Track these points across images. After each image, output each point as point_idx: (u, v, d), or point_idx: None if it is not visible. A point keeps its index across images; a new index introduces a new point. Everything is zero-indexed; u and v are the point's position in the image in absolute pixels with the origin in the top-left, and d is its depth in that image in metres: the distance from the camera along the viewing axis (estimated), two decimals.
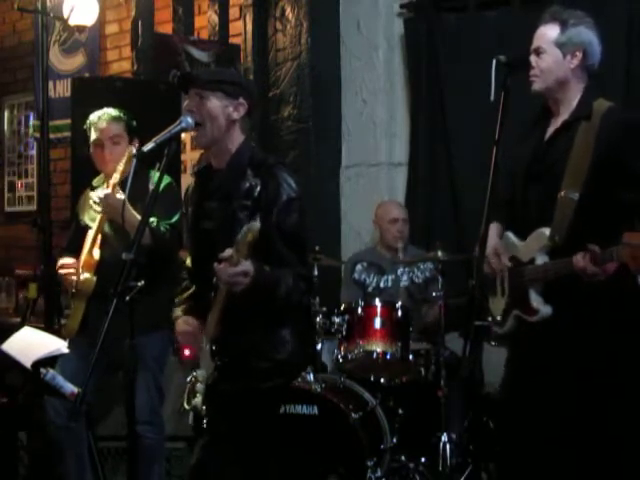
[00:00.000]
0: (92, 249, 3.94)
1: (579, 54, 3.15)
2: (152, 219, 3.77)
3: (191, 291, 3.17)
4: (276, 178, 2.92)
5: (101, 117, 4.01)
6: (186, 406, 2.93)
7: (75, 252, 4.05)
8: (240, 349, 2.94)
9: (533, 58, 3.18)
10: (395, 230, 4.93)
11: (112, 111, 4.02)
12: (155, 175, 3.89)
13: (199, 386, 2.91)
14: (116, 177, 3.87)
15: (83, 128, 4.14)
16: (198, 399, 2.89)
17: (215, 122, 2.94)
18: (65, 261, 4.03)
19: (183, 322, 3.09)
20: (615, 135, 3.06)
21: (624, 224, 2.98)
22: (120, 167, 3.87)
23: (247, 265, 2.71)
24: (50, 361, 3.35)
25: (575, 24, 3.15)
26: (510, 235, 3.28)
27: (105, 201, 3.83)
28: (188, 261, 3.20)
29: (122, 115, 4.02)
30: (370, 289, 4.93)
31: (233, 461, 2.97)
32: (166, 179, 3.92)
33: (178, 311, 3.16)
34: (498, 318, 3.29)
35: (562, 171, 3.08)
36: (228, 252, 2.70)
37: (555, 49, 3.14)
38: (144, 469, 3.93)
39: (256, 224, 2.68)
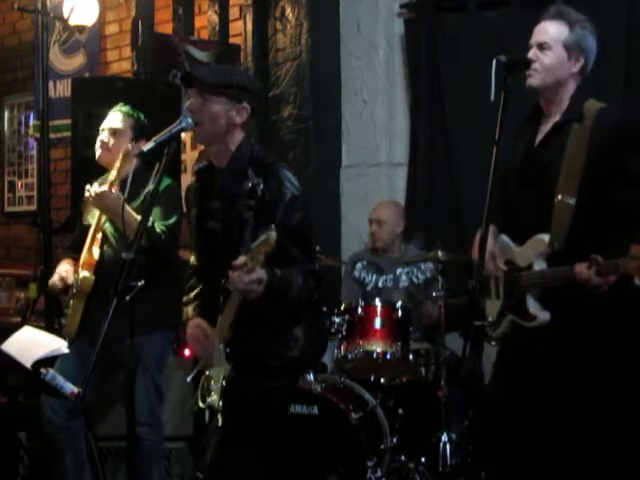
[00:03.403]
0: (91, 247, 3.94)
1: (582, 59, 3.11)
2: (149, 220, 3.77)
3: (198, 290, 3.16)
4: (278, 177, 2.92)
5: (116, 108, 4.03)
6: (201, 404, 2.94)
7: (78, 251, 4.06)
8: (255, 349, 2.95)
9: (534, 52, 3.12)
10: (370, 231, 4.98)
11: (129, 107, 4.04)
12: (164, 179, 3.87)
13: (213, 385, 2.92)
14: (113, 174, 3.87)
15: (83, 128, 4.14)
16: (214, 397, 2.90)
17: (215, 124, 2.93)
18: (63, 271, 4.02)
19: (194, 326, 3.07)
20: (608, 136, 3.02)
21: (623, 227, 2.96)
22: (117, 164, 3.87)
23: (261, 272, 2.71)
24: (49, 361, 3.35)
25: (583, 27, 3.11)
26: (505, 238, 3.24)
27: (100, 199, 3.82)
28: (193, 259, 3.20)
29: (135, 114, 4.02)
30: (369, 288, 4.94)
31: (248, 458, 2.98)
32: (167, 180, 3.92)
33: (189, 311, 3.14)
34: (491, 320, 3.28)
35: (555, 174, 3.05)
36: (242, 259, 2.68)
37: (562, 49, 3.09)
38: (143, 470, 3.93)
39: (273, 233, 2.66)
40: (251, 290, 2.72)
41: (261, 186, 2.85)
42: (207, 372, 2.97)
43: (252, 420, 2.96)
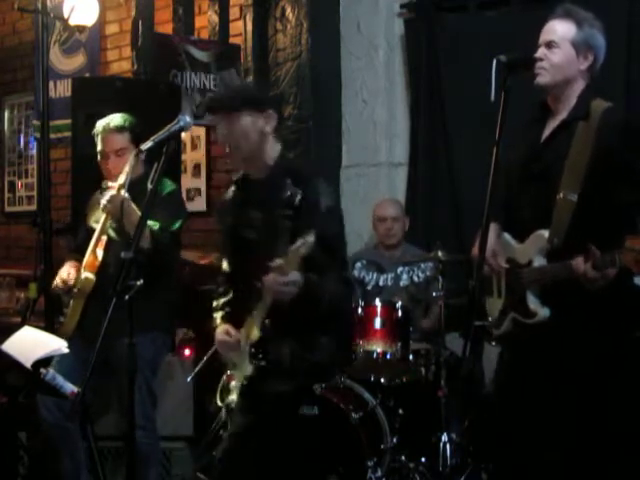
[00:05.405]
0: (95, 249, 3.94)
1: (590, 57, 3.13)
2: (155, 224, 3.77)
3: (229, 297, 3.24)
4: (315, 188, 3.03)
5: (105, 128, 3.97)
6: (219, 403, 2.97)
7: (82, 254, 4.05)
8: (280, 353, 3.01)
9: (543, 51, 3.13)
10: (383, 228, 4.96)
11: (117, 120, 3.97)
12: (165, 182, 3.89)
13: (233, 384, 2.95)
14: (122, 178, 3.85)
15: (83, 128, 4.13)
16: (233, 396, 2.93)
17: (248, 139, 3.03)
18: (65, 272, 4.02)
19: (223, 332, 3.15)
20: (614, 136, 3.03)
21: (623, 225, 2.96)
22: (126, 169, 3.85)
23: (296, 275, 2.81)
24: (45, 360, 3.34)
25: (591, 26, 3.13)
26: (507, 236, 3.26)
27: (109, 203, 3.82)
28: (225, 266, 3.27)
29: (127, 124, 3.96)
30: (369, 287, 4.94)
31: (260, 457, 3.04)
32: (171, 185, 3.94)
33: (217, 318, 3.22)
34: (493, 319, 3.28)
35: (559, 172, 3.05)
36: (278, 262, 2.78)
37: (569, 46, 3.10)
38: (141, 472, 3.91)
39: (311, 239, 2.75)
40: (284, 292, 2.82)
41: (298, 196, 2.94)
42: (229, 371, 3.01)
43: (269, 421, 3.02)
